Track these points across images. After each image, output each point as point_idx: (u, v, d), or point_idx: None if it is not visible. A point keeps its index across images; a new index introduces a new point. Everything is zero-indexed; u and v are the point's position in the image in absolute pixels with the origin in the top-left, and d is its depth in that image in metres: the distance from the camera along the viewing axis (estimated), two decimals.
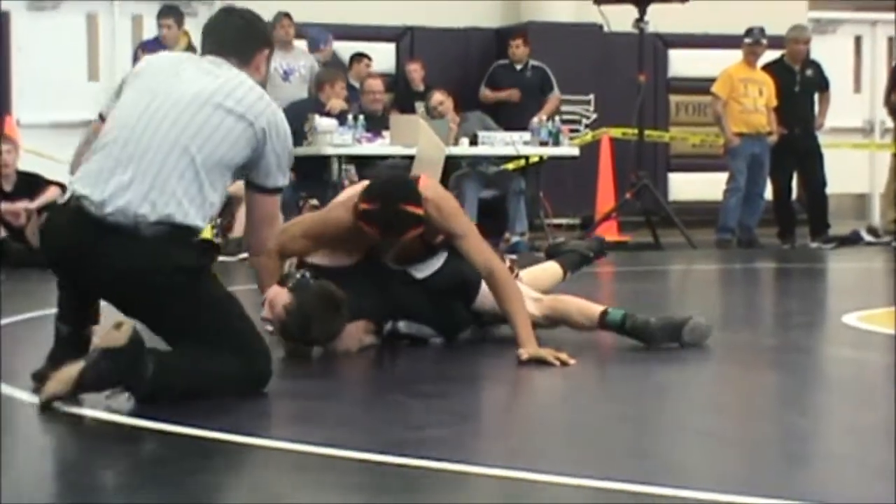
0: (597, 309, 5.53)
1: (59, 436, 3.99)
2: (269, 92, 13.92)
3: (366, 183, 5.48)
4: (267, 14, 12.58)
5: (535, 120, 12.05)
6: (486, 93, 13.18)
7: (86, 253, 4.21)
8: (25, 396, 4.28)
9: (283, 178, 4.44)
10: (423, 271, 5.50)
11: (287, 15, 12.49)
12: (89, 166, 4.30)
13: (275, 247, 5.26)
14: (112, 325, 4.12)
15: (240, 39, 4.52)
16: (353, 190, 5.54)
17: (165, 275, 4.19)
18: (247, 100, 4.34)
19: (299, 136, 11.17)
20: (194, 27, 12.89)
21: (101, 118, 4.48)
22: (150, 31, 12.82)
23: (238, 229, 10.90)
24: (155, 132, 4.26)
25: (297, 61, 12.40)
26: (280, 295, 5.12)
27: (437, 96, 11.99)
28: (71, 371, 4.08)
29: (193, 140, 4.26)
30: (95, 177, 4.24)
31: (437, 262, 5.51)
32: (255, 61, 4.54)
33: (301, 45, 12.68)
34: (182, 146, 4.25)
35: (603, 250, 6.73)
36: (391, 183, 5.46)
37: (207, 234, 10.76)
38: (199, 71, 4.39)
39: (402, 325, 5.53)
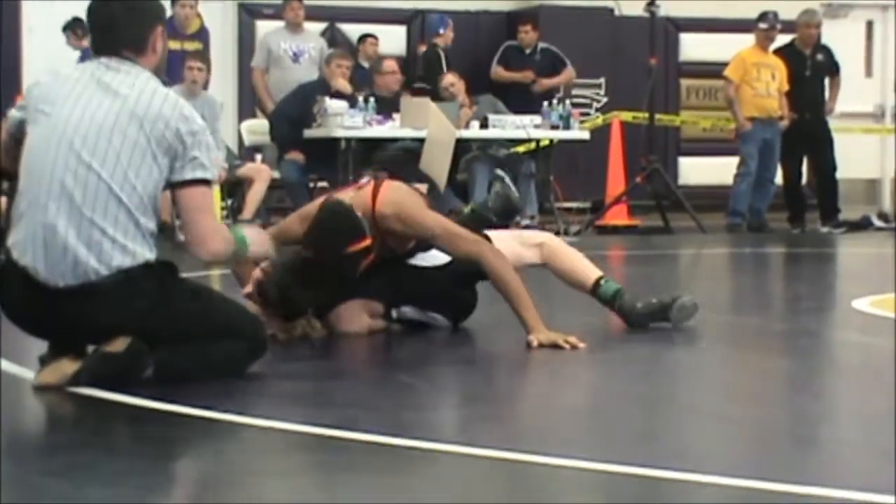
0: (592, 275, 5.48)
1: (65, 416, 4.00)
2: (279, 74, 13.96)
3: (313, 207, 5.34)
4: None
5: (549, 102, 12.00)
6: (498, 70, 13.14)
7: (45, 316, 4.14)
8: (32, 376, 4.28)
9: (202, 171, 4.18)
10: (430, 259, 5.45)
11: None
12: (23, 234, 4.13)
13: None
14: None
15: (127, 27, 4.25)
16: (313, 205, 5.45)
17: (130, 320, 4.12)
18: (152, 110, 4.13)
19: (309, 119, 11.17)
20: (205, 7, 12.88)
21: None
22: None
23: (249, 210, 10.91)
24: (74, 184, 4.08)
25: (307, 43, 12.40)
26: (259, 268, 5.16)
27: (449, 77, 11.98)
28: (67, 367, 4.10)
29: (114, 177, 4.08)
30: (32, 246, 4.10)
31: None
32: (150, 44, 4.28)
33: (310, 27, 12.68)
34: (106, 190, 4.08)
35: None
36: (330, 225, 5.13)
37: (217, 216, 10.80)
38: (99, 89, 4.17)
39: (409, 311, 5.52)
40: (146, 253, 4.13)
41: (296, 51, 12.31)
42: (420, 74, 12.99)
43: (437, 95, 11.81)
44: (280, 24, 12.57)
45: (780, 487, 3.01)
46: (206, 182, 4.21)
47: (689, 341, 5.51)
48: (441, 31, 12.98)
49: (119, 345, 4.11)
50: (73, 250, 4.07)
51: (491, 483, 3.20)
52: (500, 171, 6.44)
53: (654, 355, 5.07)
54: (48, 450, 3.54)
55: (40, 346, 4.33)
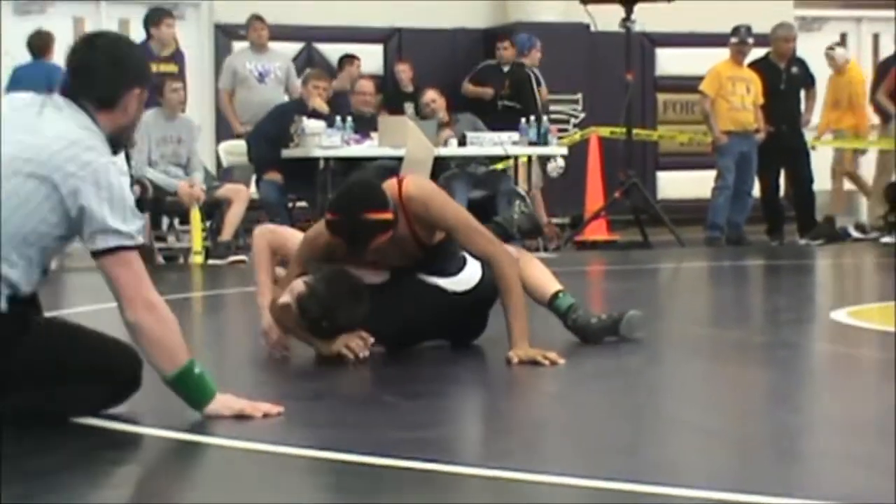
0: (551, 288, 5.49)
1: (42, 441, 3.99)
2: (245, 94, 13.97)
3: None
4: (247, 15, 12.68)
5: (527, 119, 12.02)
6: (467, 87, 13.23)
7: None
8: None
9: (115, 238, 3.87)
10: (457, 284, 5.39)
11: (259, 18, 12.46)
12: None
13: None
14: None
15: (102, 81, 4.01)
16: None
17: None
18: (54, 160, 3.86)
19: (286, 139, 11.18)
20: (181, 29, 12.89)
21: None
22: (136, 34, 12.80)
23: (227, 232, 10.90)
24: None
25: (272, 63, 12.38)
26: (298, 280, 5.12)
27: (430, 94, 12.00)
28: None
29: None
30: None
31: (473, 274, 5.39)
32: (123, 103, 4.04)
33: (275, 46, 12.63)
34: None
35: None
36: (354, 189, 5.24)
37: (198, 238, 10.80)
38: (27, 122, 3.94)
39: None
40: None
41: (261, 71, 12.31)
42: (507, 93, 13.00)
43: (525, 113, 11.90)
44: (246, 44, 12.58)
45: (761, 499, 3.03)
46: (120, 249, 3.88)
47: (671, 355, 5.53)
48: (527, 50, 13.03)
49: None
50: None
51: (475, 501, 3.20)
52: (520, 190, 6.51)
53: (634, 369, 5.09)
54: (26, 476, 3.53)
55: None
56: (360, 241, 5.11)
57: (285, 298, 5.13)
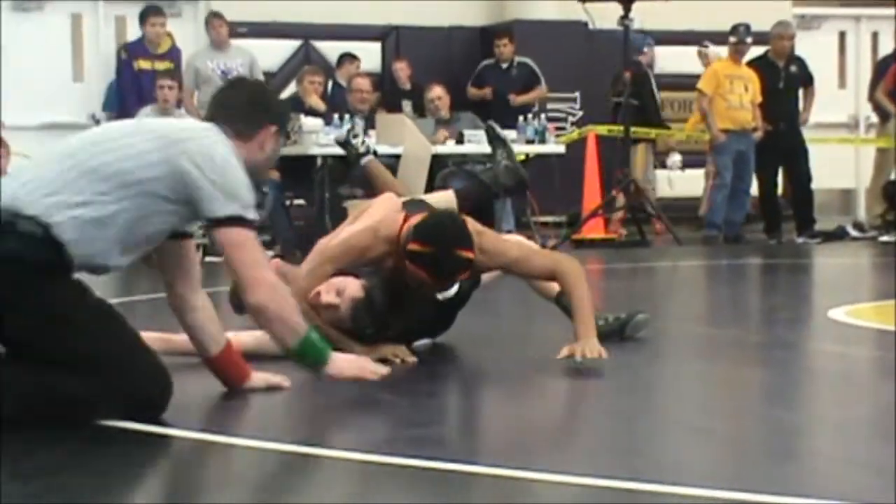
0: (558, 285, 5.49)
1: (41, 438, 3.98)
2: (209, 92, 13.92)
3: (413, 220, 5.09)
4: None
5: (525, 117, 12.02)
6: (471, 91, 13.25)
7: None
8: None
9: (230, 205, 4.01)
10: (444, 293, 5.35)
11: (217, 14, 12.40)
12: None
13: (305, 291, 5.04)
14: None
15: (241, 115, 4.25)
16: (375, 212, 5.37)
17: None
18: (174, 134, 4.05)
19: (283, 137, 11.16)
20: (178, 27, 12.88)
21: None
22: (133, 31, 12.81)
23: None
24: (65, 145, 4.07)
25: (234, 60, 12.30)
26: (350, 281, 5.01)
27: (437, 90, 11.97)
28: None
29: (86, 147, 4.00)
30: None
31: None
32: (259, 138, 4.27)
33: (237, 43, 12.57)
34: (72, 151, 3.99)
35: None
36: (445, 224, 5.00)
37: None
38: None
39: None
40: (37, 210, 3.84)
41: (223, 69, 12.23)
42: (619, 90, 12.99)
43: (644, 112, 11.84)
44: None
45: (759, 498, 3.02)
46: (239, 220, 4.04)
47: (669, 354, 5.52)
48: (644, 49, 13.03)
49: None
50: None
51: (470, 498, 3.19)
52: (500, 132, 6.33)
53: (632, 368, 5.08)
54: (25, 473, 3.52)
55: None
56: (447, 276, 5.00)
57: (331, 298, 5.02)
